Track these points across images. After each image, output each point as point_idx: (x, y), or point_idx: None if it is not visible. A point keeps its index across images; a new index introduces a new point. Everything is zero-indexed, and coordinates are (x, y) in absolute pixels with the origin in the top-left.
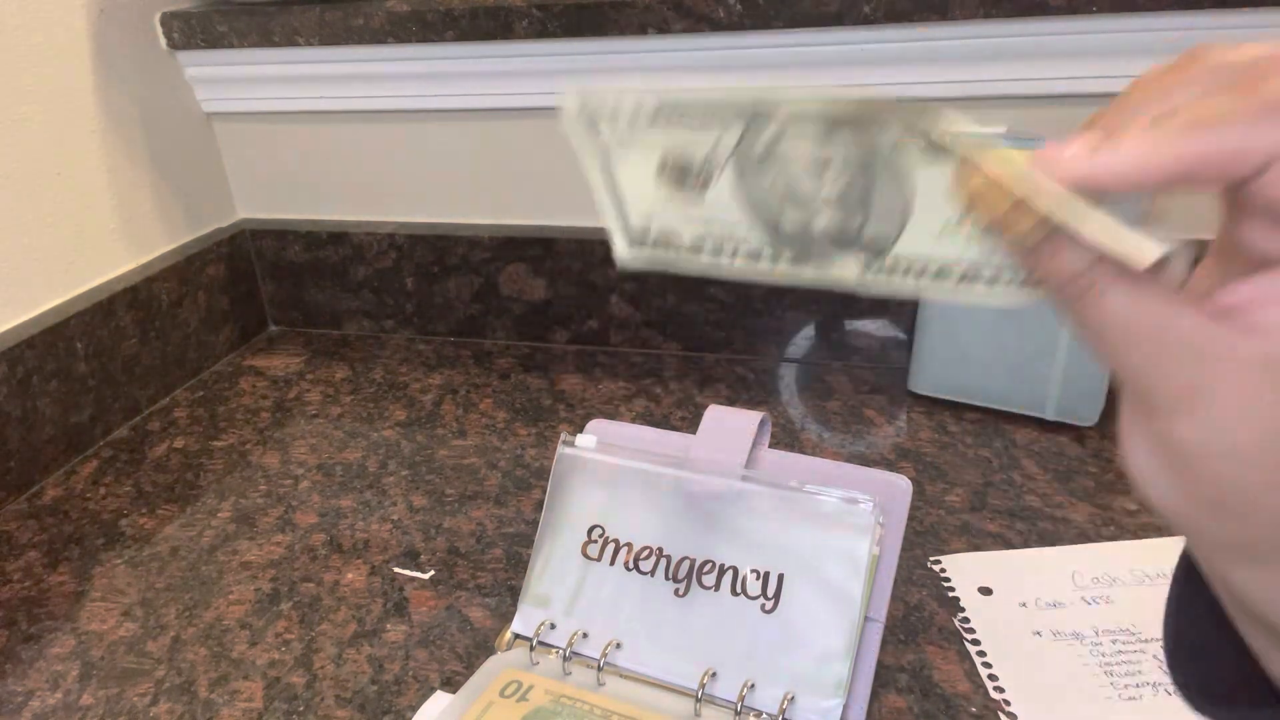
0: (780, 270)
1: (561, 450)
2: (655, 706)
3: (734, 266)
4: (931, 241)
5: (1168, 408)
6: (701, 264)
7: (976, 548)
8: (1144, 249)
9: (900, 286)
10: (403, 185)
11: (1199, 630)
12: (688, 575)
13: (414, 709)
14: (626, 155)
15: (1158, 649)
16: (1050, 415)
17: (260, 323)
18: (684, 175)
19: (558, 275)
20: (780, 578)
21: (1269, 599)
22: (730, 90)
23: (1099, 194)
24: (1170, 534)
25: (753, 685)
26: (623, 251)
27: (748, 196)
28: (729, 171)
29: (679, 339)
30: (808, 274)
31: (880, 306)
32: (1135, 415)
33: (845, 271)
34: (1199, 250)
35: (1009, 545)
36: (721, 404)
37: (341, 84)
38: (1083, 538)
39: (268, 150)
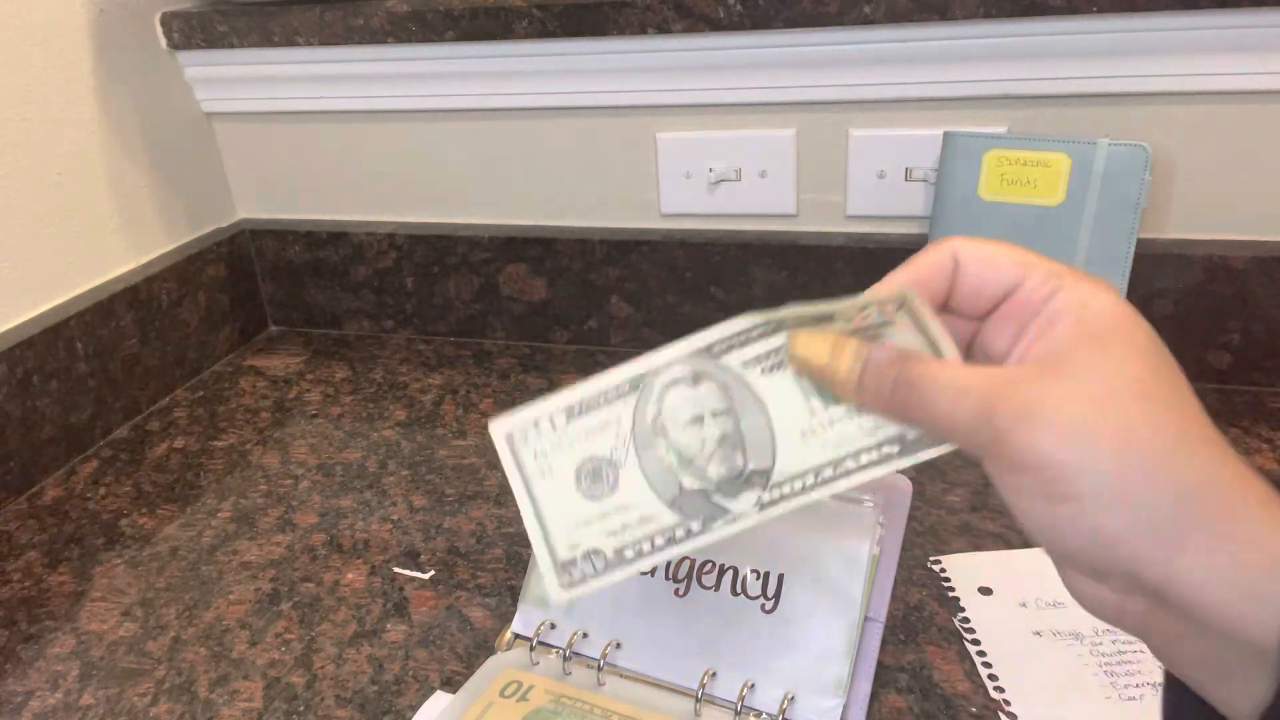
0: (695, 543)
1: None
2: (655, 706)
3: (656, 558)
4: (802, 448)
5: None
6: (629, 570)
7: (976, 548)
8: (942, 343)
9: (799, 503)
10: (403, 185)
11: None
12: (688, 575)
13: (414, 709)
14: (547, 481)
15: None
16: None
17: (260, 323)
18: (597, 478)
19: (558, 275)
20: (780, 578)
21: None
22: (616, 368)
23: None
24: None
25: (753, 685)
26: (557, 595)
27: (648, 477)
28: (630, 456)
29: (679, 339)
30: (718, 533)
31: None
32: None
33: (746, 514)
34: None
35: (1009, 545)
36: None
37: (341, 84)
38: None
39: (268, 150)
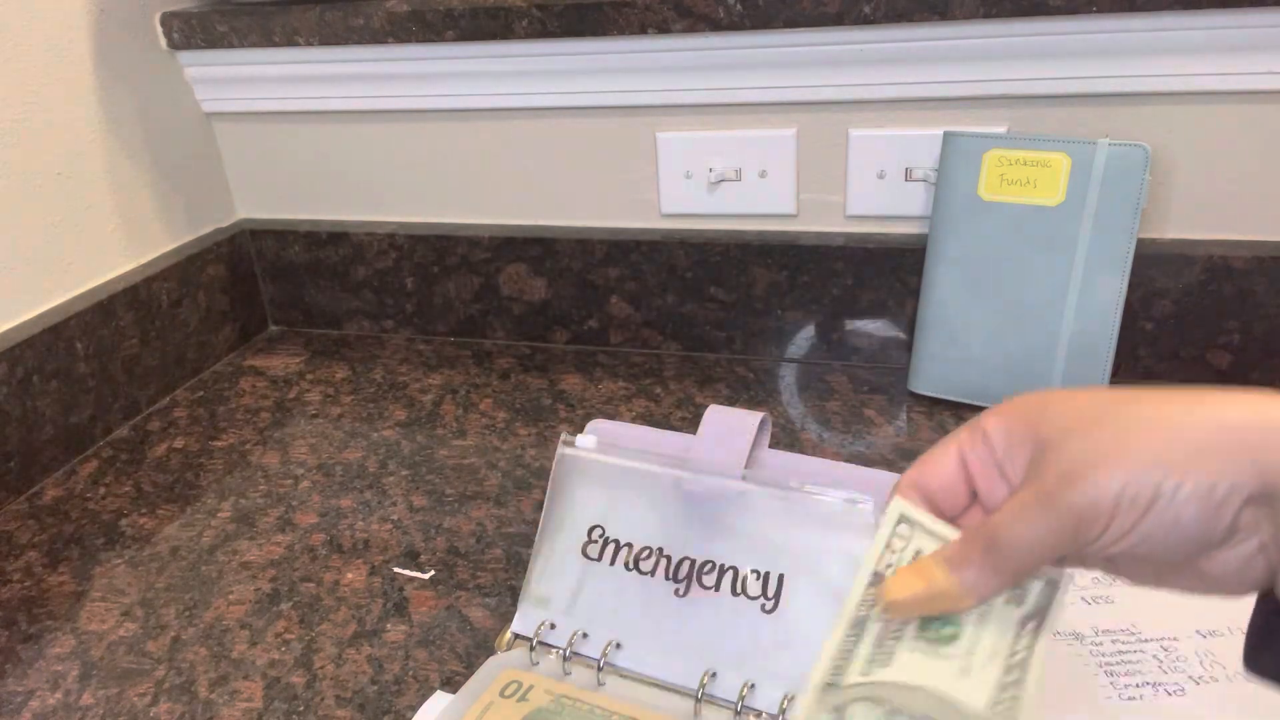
0: None
1: (561, 450)
2: (655, 706)
3: None
4: (975, 682)
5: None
6: None
7: None
8: (947, 531)
9: (1023, 708)
10: (403, 185)
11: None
12: (688, 575)
13: (414, 709)
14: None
15: (1158, 648)
16: None
17: (260, 323)
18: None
19: (558, 275)
20: (780, 578)
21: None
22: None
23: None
24: None
25: (753, 685)
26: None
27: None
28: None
29: (679, 339)
30: None
31: (880, 307)
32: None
33: None
34: None
35: None
36: (721, 404)
37: (341, 84)
38: None
39: (268, 150)
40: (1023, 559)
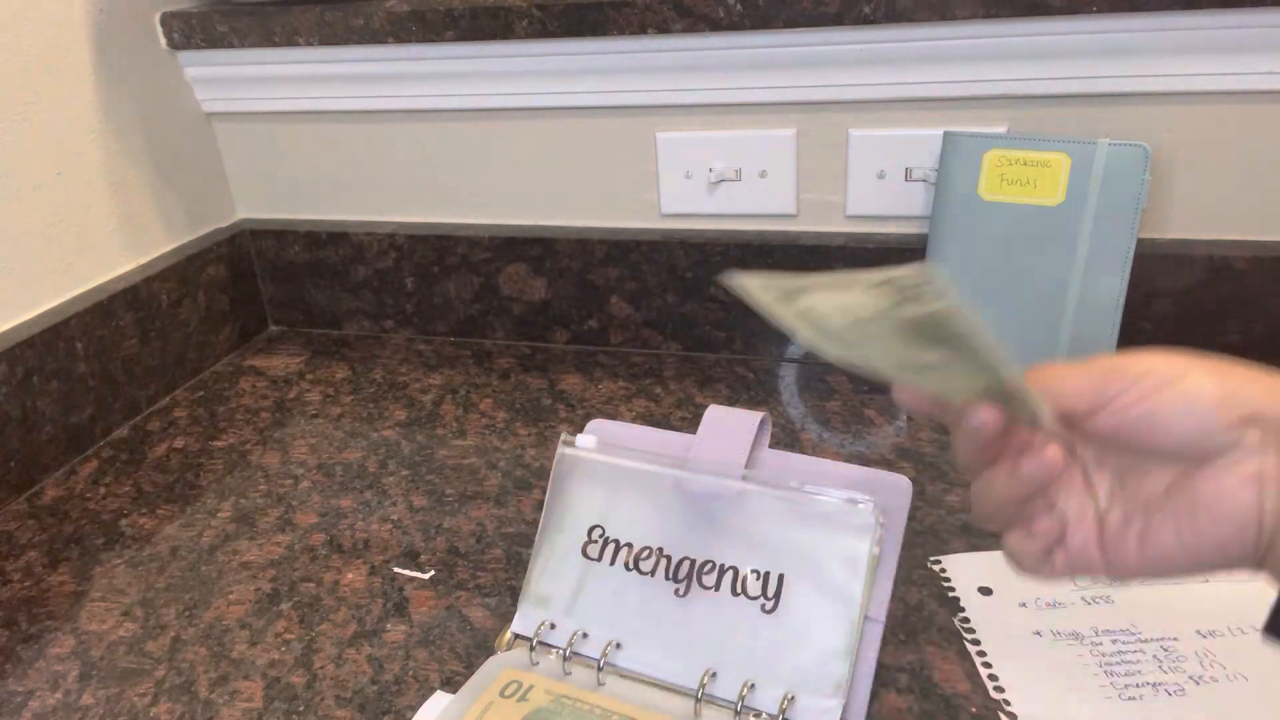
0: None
1: (561, 450)
2: (655, 706)
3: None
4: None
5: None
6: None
7: (976, 548)
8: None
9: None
10: (403, 185)
11: None
12: (688, 575)
13: (414, 709)
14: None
15: (1158, 649)
16: None
17: (260, 323)
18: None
19: (558, 275)
20: (780, 578)
21: None
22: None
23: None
24: None
25: (753, 685)
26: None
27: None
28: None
29: (679, 339)
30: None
31: None
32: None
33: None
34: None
35: None
36: (721, 404)
37: (341, 84)
38: None
39: (268, 150)
40: (1062, 397)
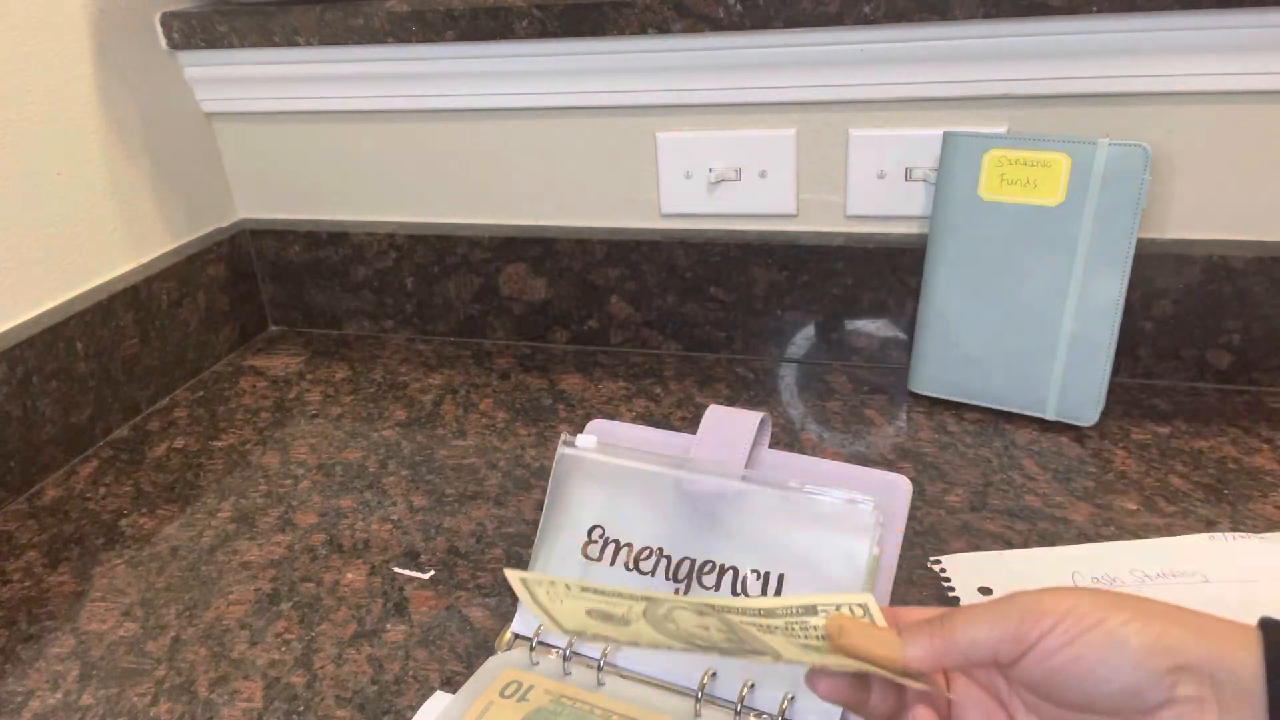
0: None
1: (561, 450)
2: (655, 706)
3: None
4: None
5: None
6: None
7: (976, 548)
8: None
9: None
10: (403, 185)
11: None
12: (688, 575)
13: (414, 709)
14: (560, 604)
15: None
16: (1050, 415)
17: (260, 323)
18: (608, 618)
19: (558, 275)
20: (780, 578)
21: None
22: (627, 588)
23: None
24: (1169, 534)
25: (753, 685)
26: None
27: (660, 631)
28: (642, 620)
29: (679, 339)
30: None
31: (880, 306)
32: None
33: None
34: None
35: (1009, 545)
36: (721, 404)
37: (341, 84)
38: (1082, 538)
39: (268, 150)
40: (966, 646)
